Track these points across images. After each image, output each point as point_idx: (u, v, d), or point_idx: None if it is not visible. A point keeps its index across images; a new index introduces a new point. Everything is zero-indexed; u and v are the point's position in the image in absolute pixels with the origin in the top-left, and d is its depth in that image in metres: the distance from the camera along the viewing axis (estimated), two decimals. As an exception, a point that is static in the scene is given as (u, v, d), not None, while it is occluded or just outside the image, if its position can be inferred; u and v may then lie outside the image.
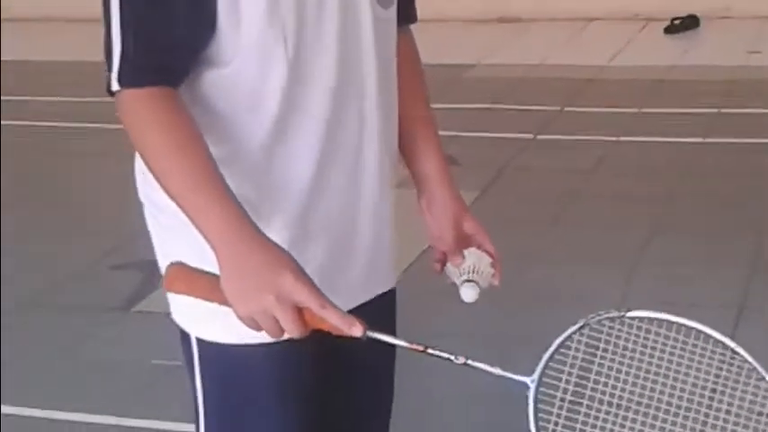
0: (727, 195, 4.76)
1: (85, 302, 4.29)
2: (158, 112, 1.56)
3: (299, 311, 1.44)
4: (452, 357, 1.51)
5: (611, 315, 1.56)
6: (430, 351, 1.52)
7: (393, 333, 1.78)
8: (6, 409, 3.40)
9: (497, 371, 1.50)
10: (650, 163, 5.39)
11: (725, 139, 5.56)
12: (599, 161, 5.38)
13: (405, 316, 1.87)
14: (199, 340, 1.69)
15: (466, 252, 1.78)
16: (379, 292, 1.81)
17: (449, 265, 1.80)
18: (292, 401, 1.74)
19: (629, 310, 1.54)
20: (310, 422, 1.77)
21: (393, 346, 1.61)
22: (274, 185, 1.69)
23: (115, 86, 1.53)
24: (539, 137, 5.77)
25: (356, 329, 1.45)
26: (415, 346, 1.53)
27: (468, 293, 1.72)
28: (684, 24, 7.76)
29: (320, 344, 1.56)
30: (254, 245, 1.50)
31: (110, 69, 1.55)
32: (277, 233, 1.62)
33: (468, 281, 1.73)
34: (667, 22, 7.81)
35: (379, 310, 1.78)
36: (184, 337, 1.73)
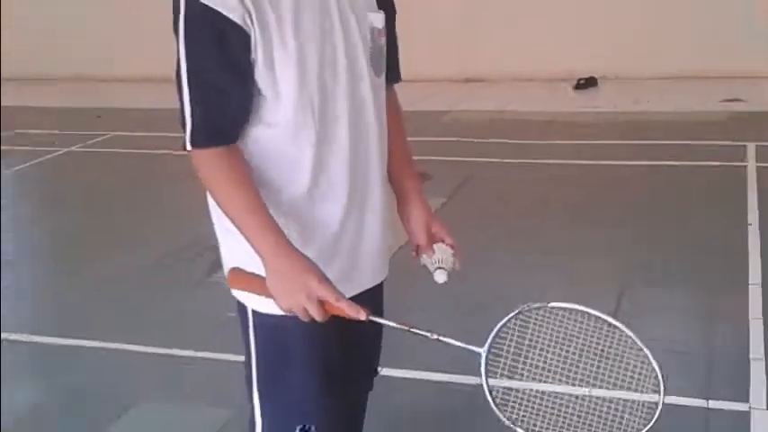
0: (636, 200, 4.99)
1: (182, 271, 4.54)
2: (222, 168, 1.75)
3: (322, 303, 1.68)
4: (428, 334, 1.70)
5: (537, 305, 1.73)
6: (413, 330, 1.72)
7: (382, 307, 2.08)
8: (121, 346, 3.75)
9: (460, 344, 1.70)
10: (565, 177, 5.78)
11: (616, 161, 6.04)
12: (531, 178, 5.83)
13: (389, 292, 2.10)
14: (254, 311, 1.89)
15: (435, 246, 1.97)
16: (378, 281, 2.04)
17: (423, 256, 1.98)
18: (316, 351, 1.91)
19: (549, 303, 1.72)
20: (327, 366, 1.94)
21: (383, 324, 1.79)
22: (309, 216, 1.87)
23: (189, 147, 1.73)
24: (491, 160, 6.21)
25: (361, 315, 1.68)
26: (401, 326, 1.73)
27: (440, 277, 1.92)
28: (587, 83, 8.49)
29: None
30: (292, 258, 1.71)
31: (184, 133, 1.72)
32: (309, 249, 1.83)
33: (439, 268, 1.93)
34: (575, 82, 8.50)
35: (375, 292, 2.04)
36: (241, 308, 1.92)
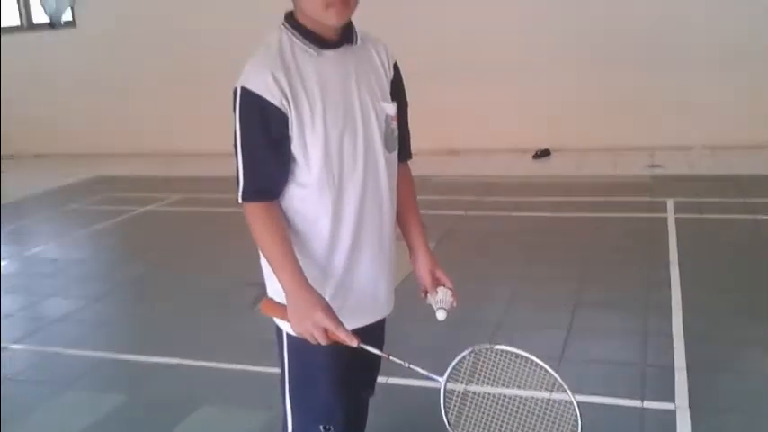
0: (580, 245, 4.80)
1: (235, 301, 4.48)
2: (264, 219, 1.77)
3: (325, 330, 1.70)
4: (402, 362, 1.71)
5: (486, 346, 1.73)
6: (391, 358, 1.73)
7: (383, 336, 2.09)
8: (184, 361, 3.73)
9: (426, 372, 1.70)
10: (526, 226, 5.75)
11: (566, 214, 6.00)
12: (499, 226, 5.78)
13: (390, 319, 2.09)
14: (287, 334, 1.90)
15: (438, 289, 1.94)
16: (384, 316, 2.05)
17: (429, 296, 1.96)
18: (334, 366, 1.92)
19: (495, 345, 1.74)
20: (342, 377, 1.95)
21: (374, 351, 1.77)
22: (326, 261, 1.86)
23: (240, 201, 1.77)
24: (468, 213, 6.24)
25: (354, 342, 1.69)
26: (383, 354, 1.75)
27: (441, 315, 1.89)
28: (542, 153, 8.47)
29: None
30: (306, 294, 1.72)
31: (238, 190, 1.77)
32: (327, 287, 1.85)
33: (440, 308, 1.89)
34: (533, 153, 8.48)
35: (379, 324, 2.05)
36: (278, 331, 1.94)
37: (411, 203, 2.04)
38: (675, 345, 3.52)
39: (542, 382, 1.67)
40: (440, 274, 1.97)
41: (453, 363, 1.71)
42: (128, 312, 4.69)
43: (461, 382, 1.73)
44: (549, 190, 6.94)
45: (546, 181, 7.34)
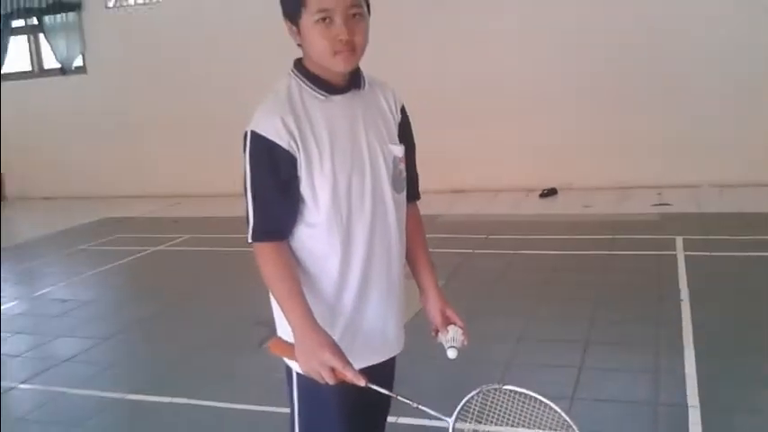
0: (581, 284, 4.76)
1: (239, 341, 4.46)
2: (272, 259, 1.78)
3: (333, 370, 1.68)
4: (411, 402, 1.69)
5: (494, 386, 1.70)
6: (400, 398, 1.72)
7: (393, 373, 2.05)
8: (192, 401, 3.72)
9: (434, 413, 1.68)
10: (534, 264, 5.75)
11: (574, 251, 6.02)
12: (507, 264, 5.80)
13: (400, 356, 2.06)
14: (297, 373, 1.88)
15: (449, 327, 1.93)
16: (394, 354, 2.04)
17: (439, 334, 1.94)
18: (343, 405, 1.88)
19: (504, 384, 1.70)
20: (351, 416, 1.91)
21: (382, 391, 1.74)
22: (334, 301, 1.86)
23: (250, 240, 1.79)
24: (475, 251, 6.26)
25: (361, 382, 1.67)
26: (391, 394, 1.74)
27: (451, 353, 1.88)
28: (549, 192, 8.48)
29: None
30: (313, 335, 1.72)
31: (248, 230, 1.78)
32: (336, 327, 1.85)
33: (451, 346, 1.89)
34: (540, 192, 8.51)
35: (388, 362, 2.02)
36: (288, 370, 1.92)
37: (420, 243, 2.05)
38: (688, 383, 3.48)
39: (551, 423, 1.65)
40: (450, 313, 1.97)
41: (462, 403, 1.70)
42: (135, 352, 4.68)
43: (469, 422, 1.72)
44: (556, 228, 6.93)
45: (553, 219, 7.34)
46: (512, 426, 1.71)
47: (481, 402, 1.72)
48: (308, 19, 1.72)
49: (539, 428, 1.65)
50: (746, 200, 7.32)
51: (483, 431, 1.74)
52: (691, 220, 6.81)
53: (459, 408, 1.70)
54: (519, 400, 1.70)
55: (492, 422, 1.74)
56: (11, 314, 5.54)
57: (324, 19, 1.70)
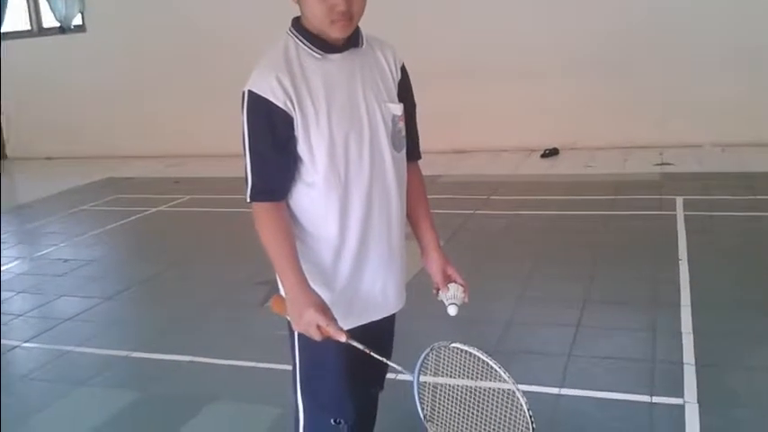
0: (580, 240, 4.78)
1: (247, 299, 4.51)
2: (269, 219, 1.80)
3: (319, 327, 1.72)
4: (383, 359, 1.76)
5: (444, 344, 1.73)
6: (372, 354, 1.74)
7: (392, 332, 2.12)
8: (196, 359, 3.76)
9: (399, 368, 1.75)
10: (535, 224, 5.79)
11: (575, 212, 6.04)
12: (508, 224, 5.83)
13: (401, 310, 2.09)
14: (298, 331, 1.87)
15: (449, 285, 1.96)
16: (397, 310, 2.07)
17: (440, 292, 1.97)
18: (343, 361, 1.92)
19: (452, 342, 1.72)
20: (352, 372, 1.95)
21: (366, 348, 1.74)
22: (333, 255, 1.88)
23: (248, 200, 1.81)
24: (477, 212, 6.25)
25: (341, 338, 1.71)
26: (364, 348, 1.73)
27: (452, 310, 1.91)
28: (551, 152, 8.47)
29: (356, 334, 1.77)
30: (303, 294, 1.76)
31: (246, 190, 1.81)
32: (335, 286, 1.88)
33: (452, 303, 1.92)
34: (541, 152, 8.51)
35: (389, 319, 2.07)
36: (290, 325, 1.91)
37: (421, 202, 2.06)
38: (684, 341, 3.53)
39: (491, 377, 1.68)
40: (451, 271, 1.98)
41: (420, 359, 1.76)
42: (139, 311, 4.72)
43: (429, 375, 1.78)
44: (557, 188, 6.94)
45: (554, 180, 7.34)
46: (459, 377, 1.76)
47: (435, 358, 1.77)
48: None
49: (481, 380, 1.71)
50: (748, 159, 7.32)
51: (441, 383, 1.79)
52: (692, 179, 6.81)
53: (418, 364, 1.75)
54: (465, 357, 1.74)
55: (446, 375, 1.78)
56: (13, 274, 5.59)
57: None
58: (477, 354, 1.67)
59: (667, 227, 5.36)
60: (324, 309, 1.74)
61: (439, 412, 1.80)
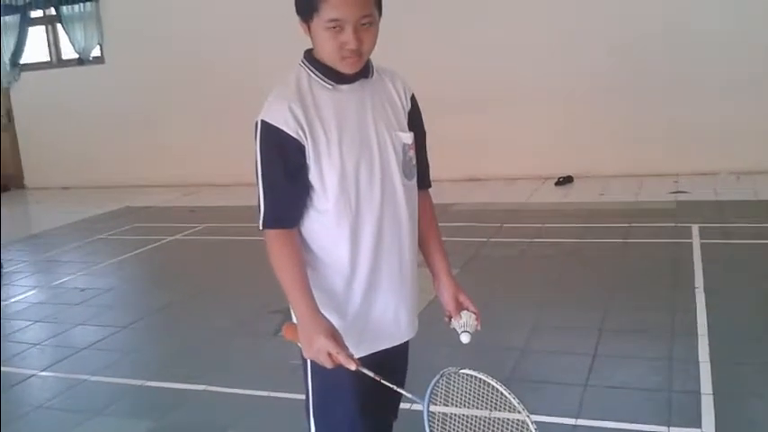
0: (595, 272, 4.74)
1: (257, 329, 4.56)
2: (281, 246, 1.82)
3: (330, 354, 1.73)
4: (394, 386, 1.73)
5: (453, 370, 1.73)
6: (383, 381, 1.73)
7: (407, 361, 2.10)
8: (211, 388, 3.78)
9: (411, 395, 1.73)
10: (549, 252, 5.75)
11: (589, 240, 5.97)
12: (522, 253, 5.81)
13: (414, 340, 2.10)
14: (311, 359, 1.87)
15: (462, 313, 1.94)
16: (406, 339, 2.07)
17: (453, 320, 1.96)
18: (355, 389, 1.91)
19: (462, 369, 1.72)
20: (363, 400, 1.94)
21: (381, 379, 1.74)
22: (344, 283, 1.89)
23: (260, 227, 1.83)
24: (490, 240, 6.25)
25: (351, 366, 1.71)
26: (375, 376, 1.73)
27: (465, 338, 1.90)
28: (565, 180, 8.45)
29: (369, 363, 1.77)
30: (314, 322, 1.76)
31: (258, 217, 1.84)
32: (347, 313, 1.88)
33: (465, 331, 1.91)
34: (555, 180, 8.48)
35: (402, 347, 2.07)
36: (302, 355, 1.91)
37: (432, 229, 2.07)
38: (702, 370, 3.49)
39: (503, 405, 1.67)
40: (463, 299, 1.98)
41: (430, 387, 1.75)
42: (154, 340, 4.73)
43: (439, 404, 1.76)
44: (572, 216, 6.92)
45: (569, 207, 7.33)
46: (470, 406, 1.75)
47: (445, 385, 1.76)
48: (318, 23, 1.76)
49: (494, 409, 1.69)
50: (764, 187, 7.28)
51: (451, 413, 1.78)
52: (707, 207, 6.78)
53: (428, 391, 1.74)
54: (475, 383, 1.74)
55: (457, 403, 1.77)
56: (30, 303, 5.63)
57: (334, 27, 1.74)
58: (488, 380, 1.67)
59: (683, 255, 5.33)
60: (335, 336, 1.75)
61: (451, 417, 1.79)
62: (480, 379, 1.69)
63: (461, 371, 1.73)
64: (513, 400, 1.62)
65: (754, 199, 6.90)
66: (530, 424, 1.60)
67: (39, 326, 5.05)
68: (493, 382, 1.66)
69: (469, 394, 1.73)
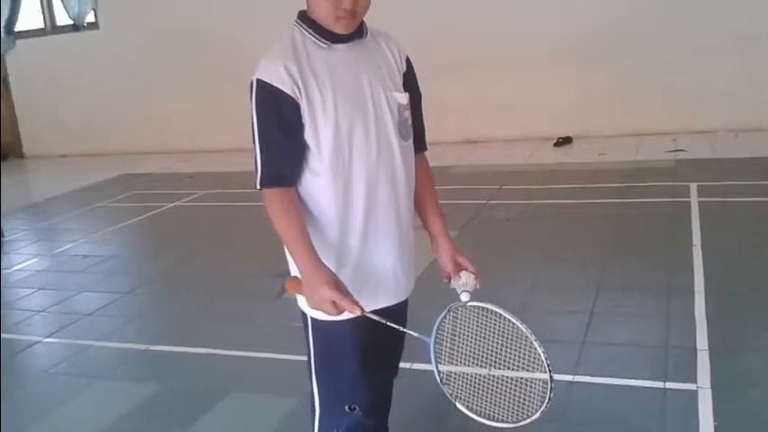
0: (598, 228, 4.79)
1: (261, 291, 4.54)
2: (280, 203, 1.82)
3: (334, 303, 1.73)
4: (395, 326, 1.77)
5: (460, 303, 1.79)
6: (388, 324, 1.76)
7: (406, 319, 2.09)
8: (214, 351, 3.82)
9: (416, 334, 1.77)
10: (548, 212, 5.75)
11: (588, 200, 6.00)
12: (521, 214, 5.82)
13: (414, 302, 2.12)
14: (311, 318, 1.95)
15: (461, 273, 1.95)
16: (405, 297, 2.08)
17: (452, 280, 1.97)
18: (357, 349, 1.94)
19: (469, 301, 1.79)
20: (366, 359, 1.97)
21: (384, 320, 1.77)
22: (338, 242, 1.90)
23: (258, 187, 1.83)
24: (489, 201, 6.25)
25: (357, 311, 1.72)
26: (380, 319, 1.77)
27: (465, 297, 1.87)
28: (564, 141, 8.45)
29: (370, 321, 1.77)
30: (317, 273, 1.76)
31: (256, 177, 1.84)
32: (344, 272, 1.87)
33: (464, 290, 1.89)
34: (554, 140, 8.48)
35: (401, 306, 2.07)
36: (303, 314, 1.98)
37: (429, 192, 2.08)
38: (698, 326, 3.53)
39: (513, 335, 1.72)
40: (461, 260, 1.99)
41: (437, 322, 1.79)
42: (158, 305, 4.78)
43: (446, 342, 1.81)
44: (570, 177, 6.93)
45: (568, 168, 7.33)
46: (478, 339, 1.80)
47: (452, 319, 1.80)
48: None
49: (502, 339, 1.74)
50: (762, 145, 7.27)
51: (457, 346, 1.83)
52: (705, 165, 6.79)
53: (435, 327, 1.78)
54: (482, 314, 1.78)
55: (464, 335, 1.82)
56: (33, 271, 5.68)
57: None
58: (497, 310, 1.70)
59: (681, 213, 5.35)
60: (337, 284, 1.75)
61: (458, 350, 1.83)
62: (489, 309, 1.72)
63: (469, 303, 1.75)
64: (520, 325, 1.67)
65: (752, 156, 6.89)
66: (537, 347, 1.65)
67: (42, 293, 5.10)
68: (498, 309, 1.71)
69: (476, 324, 1.76)
